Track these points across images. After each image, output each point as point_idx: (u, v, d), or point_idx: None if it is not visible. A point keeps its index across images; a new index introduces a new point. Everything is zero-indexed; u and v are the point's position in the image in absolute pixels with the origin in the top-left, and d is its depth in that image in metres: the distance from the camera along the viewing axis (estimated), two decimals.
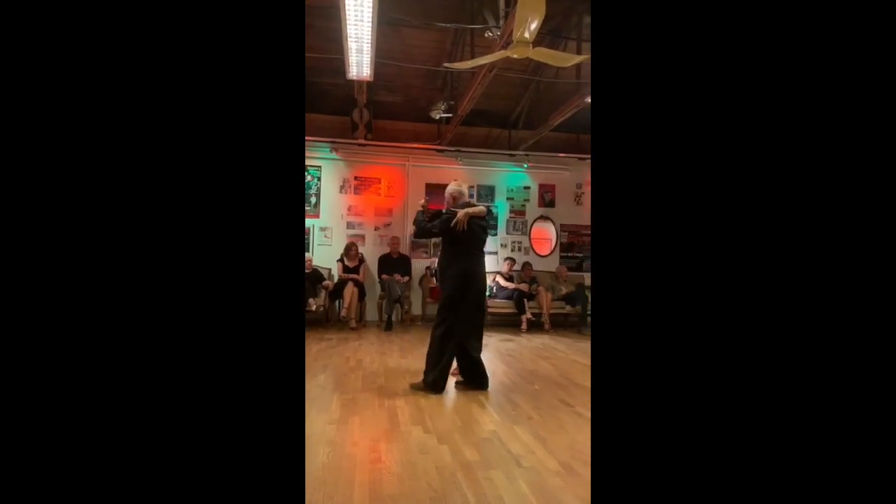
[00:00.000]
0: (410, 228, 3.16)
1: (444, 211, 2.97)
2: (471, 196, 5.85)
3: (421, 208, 3.05)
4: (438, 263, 3.00)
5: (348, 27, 2.97)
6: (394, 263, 5.47)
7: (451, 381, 3.08)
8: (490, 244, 5.99)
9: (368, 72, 3.63)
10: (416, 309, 5.66)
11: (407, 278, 5.43)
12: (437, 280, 3.07)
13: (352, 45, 3.21)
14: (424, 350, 4.09)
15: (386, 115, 5.64)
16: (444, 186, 3.26)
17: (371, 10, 2.79)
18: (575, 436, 2.16)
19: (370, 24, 2.95)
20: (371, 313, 5.53)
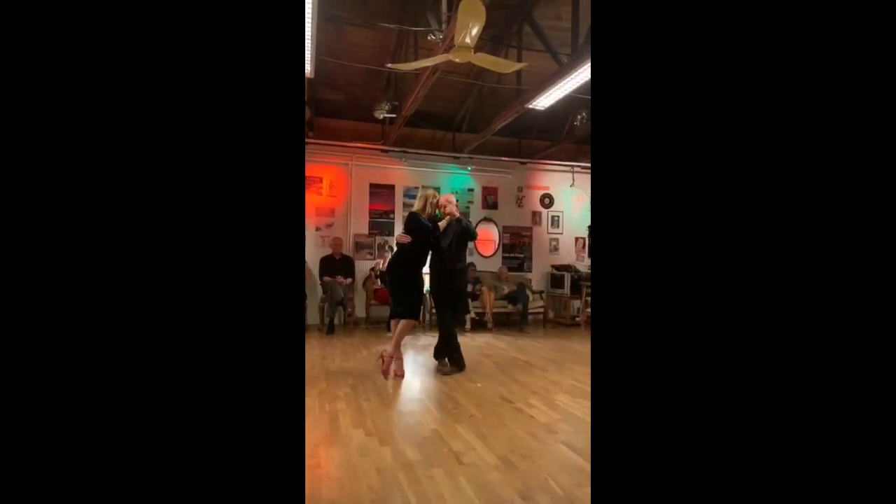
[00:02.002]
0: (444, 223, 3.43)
1: (435, 218, 3.40)
2: (412, 197, 5.96)
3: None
4: (456, 263, 3.42)
5: None
6: (336, 265, 5.35)
7: (393, 380, 3.08)
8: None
9: (309, 68, 3.54)
10: (360, 311, 5.57)
11: (350, 280, 5.33)
12: (445, 278, 3.41)
13: None
14: (367, 353, 4.05)
15: (328, 112, 5.52)
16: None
17: (310, 4, 2.72)
18: (514, 431, 2.23)
19: (310, 19, 2.88)
20: (312, 316, 5.37)
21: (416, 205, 3.36)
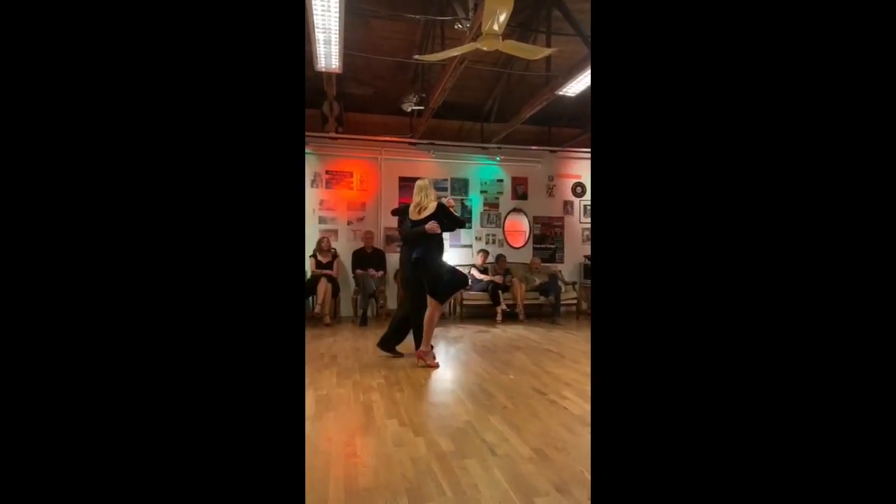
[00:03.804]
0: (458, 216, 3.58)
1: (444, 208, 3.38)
2: (444, 189, 5.91)
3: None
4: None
5: (315, 17, 2.92)
6: (368, 258, 5.42)
7: (431, 372, 3.11)
8: (465, 237, 6.04)
9: (337, 63, 3.58)
10: (392, 303, 5.64)
11: (381, 273, 5.40)
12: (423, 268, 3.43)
13: (319, 37, 3.15)
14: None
15: (356, 107, 5.57)
16: (417, 180, 3.48)
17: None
18: (548, 423, 2.21)
19: (338, 15, 2.90)
20: (345, 309, 5.48)
21: (425, 196, 3.33)
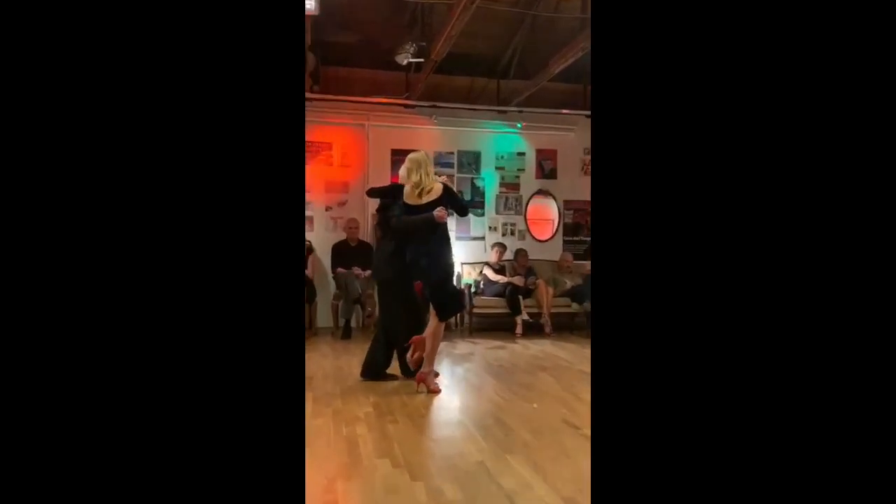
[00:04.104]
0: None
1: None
2: (449, 165, 5.89)
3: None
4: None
5: None
6: (352, 254, 5.43)
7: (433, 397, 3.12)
8: (475, 227, 6.04)
9: (313, 4, 3.57)
10: None
11: (369, 272, 5.40)
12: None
13: None
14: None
15: (337, 60, 5.57)
16: (411, 153, 3.42)
17: None
18: (582, 464, 2.21)
19: None
20: (323, 318, 5.51)
21: (426, 174, 3.20)
